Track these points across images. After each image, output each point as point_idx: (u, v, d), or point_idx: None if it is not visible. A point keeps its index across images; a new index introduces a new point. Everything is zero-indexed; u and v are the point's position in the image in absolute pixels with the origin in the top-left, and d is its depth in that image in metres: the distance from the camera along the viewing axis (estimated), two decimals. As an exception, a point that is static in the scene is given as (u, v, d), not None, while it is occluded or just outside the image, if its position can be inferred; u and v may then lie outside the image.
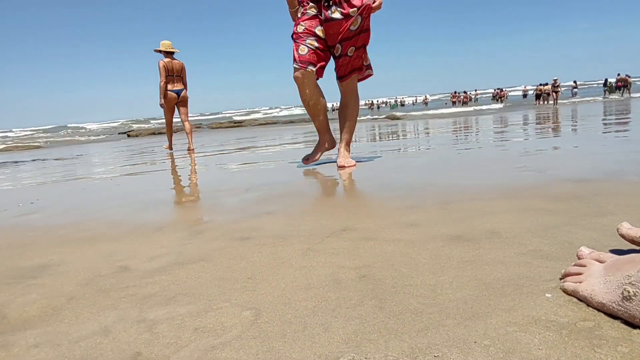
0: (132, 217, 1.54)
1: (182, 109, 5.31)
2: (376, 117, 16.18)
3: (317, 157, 2.60)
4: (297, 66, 2.33)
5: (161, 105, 5.23)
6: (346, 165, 2.34)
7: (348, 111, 2.51)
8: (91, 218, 1.60)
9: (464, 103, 27.13)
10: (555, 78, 18.22)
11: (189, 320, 0.68)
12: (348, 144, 2.50)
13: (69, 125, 44.85)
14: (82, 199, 2.16)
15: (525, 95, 29.80)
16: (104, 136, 20.21)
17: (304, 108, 2.59)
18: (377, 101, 39.48)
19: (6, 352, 0.63)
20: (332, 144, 2.64)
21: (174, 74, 5.10)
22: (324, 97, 2.51)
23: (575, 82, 22.98)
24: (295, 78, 2.36)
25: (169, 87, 5.10)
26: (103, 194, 2.31)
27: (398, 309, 0.65)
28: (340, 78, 2.47)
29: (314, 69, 2.33)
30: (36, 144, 17.04)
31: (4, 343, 0.66)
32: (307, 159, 2.61)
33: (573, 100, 19.18)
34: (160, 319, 0.69)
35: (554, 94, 17.72)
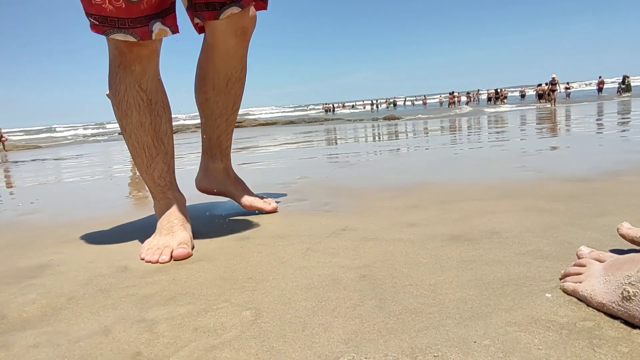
0: (131, 217, 1.54)
1: None
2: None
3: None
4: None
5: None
6: (265, 208, 1.36)
7: (221, 96, 1.27)
8: (91, 218, 1.59)
9: (451, 104, 27.17)
10: (554, 75, 15.67)
11: (189, 320, 0.68)
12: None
13: (56, 127, 44.28)
14: (82, 199, 2.16)
15: (523, 96, 29.83)
16: (107, 137, 20.21)
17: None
18: (376, 101, 39.46)
19: (6, 352, 0.63)
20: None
21: None
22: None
23: (568, 82, 22.98)
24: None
25: None
26: (103, 194, 2.31)
27: (398, 309, 0.65)
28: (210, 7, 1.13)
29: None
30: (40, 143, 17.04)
31: (3, 343, 0.66)
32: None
33: (586, 101, 16.47)
34: (160, 319, 0.69)
35: (551, 93, 15.28)
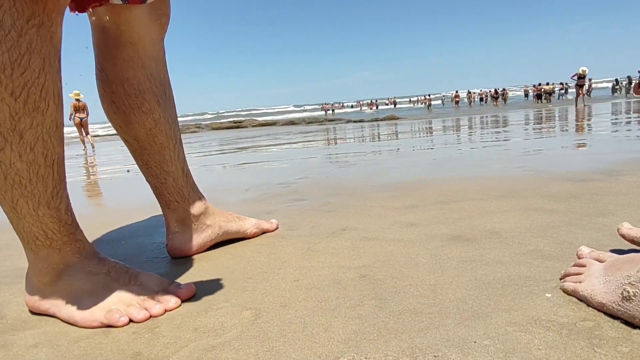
0: (130, 217, 1.54)
1: (84, 128, 9.07)
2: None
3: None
4: None
5: (70, 119, 9.08)
6: (270, 228, 1.17)
7: (168, 109, 0.97)
8: (89, 217, 1.59)
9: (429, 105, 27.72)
10: (584, 68, 12.27)
11: (189, 320, 0.68)
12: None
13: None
14: (81, 199, 2.16)
15: (526, 95, 30.03)
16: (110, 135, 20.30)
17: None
18: (376, 100, 39.47)
19: (5, 352, 0.63)
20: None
21: (79, 109, 9.07)
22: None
23: (562, 83, 22.99)
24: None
25: (77, 115, 9.04)
26: (101, 194, 2.31)
27: (398, 309, 0.65)
28: None
29: None
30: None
31: (3, 343, 0.66)
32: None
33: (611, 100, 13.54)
34: (160, 319, 0.69)
35: (579, 88, 11.85)
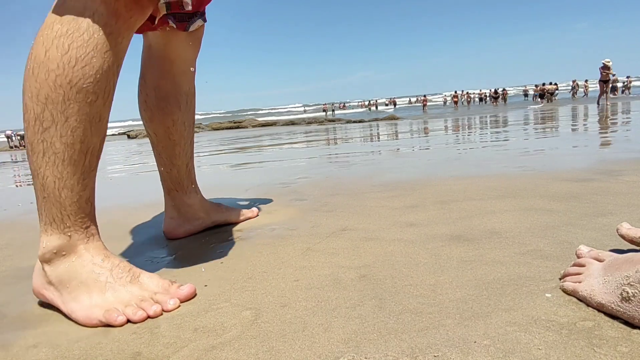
0: (130, 217, 1.54)
1: None
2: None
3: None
4: None
5: None
6: (251, 215, 1.34)
7: (186, 115, 1.15)
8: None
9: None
10: (608, 60, 10.72)
11: (189, 320, 0.68)
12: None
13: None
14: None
15: (526, 95, 30.09)
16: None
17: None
18: (375, 100, 39.46)
19: (5, 352, 0.63)
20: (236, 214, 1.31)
21: None
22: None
23: (556, 84, 23.01)
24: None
25: None
26: (103, 193, 2.31)
27: (398, 309, 0.65)
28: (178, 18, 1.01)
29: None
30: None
31: (3, 343, 0.66)
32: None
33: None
34: (160, 319, 0.69)
35: (602, 83, 10.67)
